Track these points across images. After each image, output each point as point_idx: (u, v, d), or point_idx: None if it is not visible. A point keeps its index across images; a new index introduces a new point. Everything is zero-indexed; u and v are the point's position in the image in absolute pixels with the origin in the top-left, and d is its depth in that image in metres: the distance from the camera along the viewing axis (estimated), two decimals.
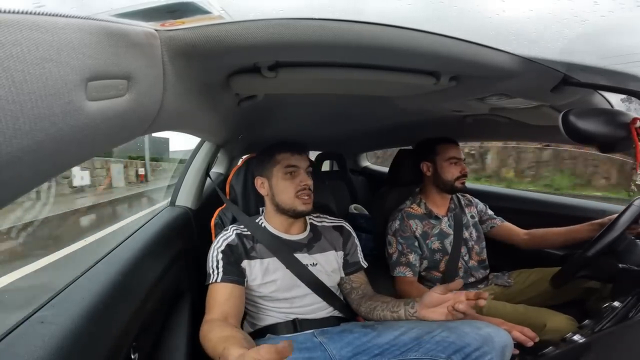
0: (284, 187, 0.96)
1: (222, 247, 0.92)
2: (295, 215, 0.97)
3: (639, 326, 0.68)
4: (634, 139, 0.63)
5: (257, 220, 1.01)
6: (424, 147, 1.34)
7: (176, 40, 0.48)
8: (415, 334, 0.77)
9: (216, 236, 0.98)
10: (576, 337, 0.72)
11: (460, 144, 1.34)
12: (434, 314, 0.80)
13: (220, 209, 1.12)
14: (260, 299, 0.93)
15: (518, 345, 0.84)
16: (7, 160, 0.27)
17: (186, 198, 1.17)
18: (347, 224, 1.09)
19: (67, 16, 0.31)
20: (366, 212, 1.67)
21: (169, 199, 1.20)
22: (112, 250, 0.75)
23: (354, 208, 1.69)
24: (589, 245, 0.97)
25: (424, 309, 0.81)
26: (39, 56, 0.28)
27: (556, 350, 0.74)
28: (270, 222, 1.00)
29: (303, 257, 0.96)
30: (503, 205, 1.52)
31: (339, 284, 1.03)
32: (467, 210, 1.36)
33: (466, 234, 1.29)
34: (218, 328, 0.74)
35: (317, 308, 0.95)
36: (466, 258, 1.27)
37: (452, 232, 1.28)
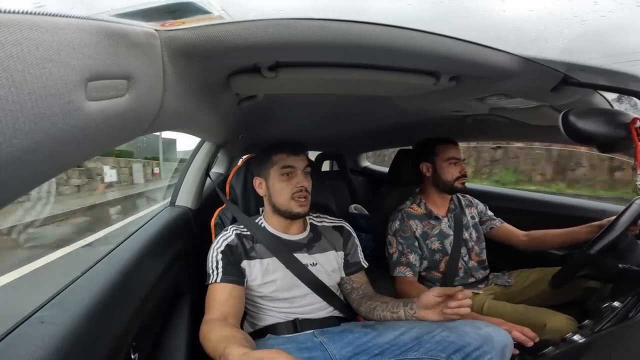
0: (280, 188, 0.95)
1: (222, 248, 0.91)
2: (291, 217, 0.96)
3: (639, 326, 0.68)
4: (633, 139, 0.63)
5: (256, 221, 1.01)
6: (423, 147, 1.34)
7: (176, 40, 0.48)
8: (416, 334, 0.78)
9: (216, 236, 0.98)
10: (576, 337, 0.72)
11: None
12: (432, 314, 0.80)
13: (220, 209, 1.12)
14: (260, 298, 0.93)
15: (518, 345, 0.84)
16: (7, 160, 0.27)
17: (186, 198, 1.17)
18: (347, 224, 1.09)
19: (67, 16, 0.31)
20: (366, 212, 1.67)
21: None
22: (112, 250, 0.75)
23: (354, 208, 1.69)
24: (591, 243, 0.97)
25: (421, 309, 0.82)
26: (39, 56, 0.28)
27: (556, 350, 0.74)
28: (270, 222, 1.00)
29: (303, 257, 0.96)
30: (503, 206, 1.52)
31: (339, 284, 1.03)
32: (467, 211, 1.36)
33: (466, 235, 1.29)
34: (218, 328, 0.74)
35: (317, 308, 0.95)
36: (466, 258, 1.27)
37: (452, 232, 1.28)
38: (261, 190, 1.00)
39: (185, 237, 1.04)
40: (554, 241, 1.25)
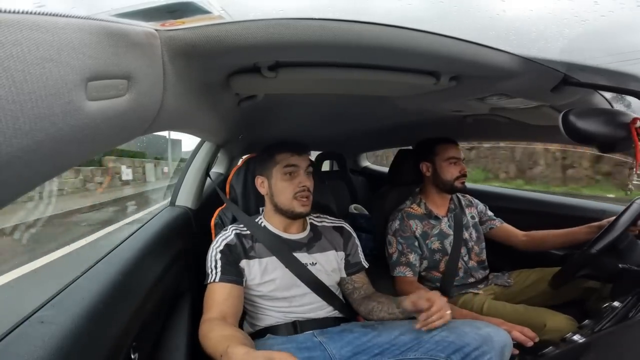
0: (282, 187, 0.95)
1: (221, 247, 0.92)
2: (293, 216, 0.97)
3: (639, 326, 0.68)
4: (633, 139, 0.63)
5: (256, 220, 1.01)
6: (423, 147, 1.34)
7: (176, 40, 0.48)
8: (415, 334, 0.78)
9: (216, 236, 0.98)
10: (576, 337, 0.72)
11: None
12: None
13: (220, 209, 1.12)
14: (259, 298, 0.93)
15: (518, 345, 0.84)
16: (7, 160, 0.27)
17: (186, 198, 1.17)
18: (347, 224, 1.09)
19: (67, 16, 0.31)
20: (366, 212, 1.67)
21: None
22: (112, 250, 0.75)
23: (354, 208, 1.69)
24: (591, 243, 0.97)
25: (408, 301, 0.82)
26: (39, 56, 0.28)
27: (556, 350, 0.74)
28: (270, 221, 1.00)
29: (302, 257, 0.96)
30: (503, 206, 1.52)
31: (340, 284, 1.03)
32: (467, 211, 1.36)
33: (466, 235, 1.29)
34: (218, 327, 0.74)
35: (316, 307, 0.95)
36: (466, 258, 1.27)
37: (452, 232, 1.27)
38: (263, 190, 1.00)
39: (185, 237, 1.04)
40: (553, 241, 1.25)
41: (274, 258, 0.93)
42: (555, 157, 6.96)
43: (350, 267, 1.03)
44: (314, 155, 2.14)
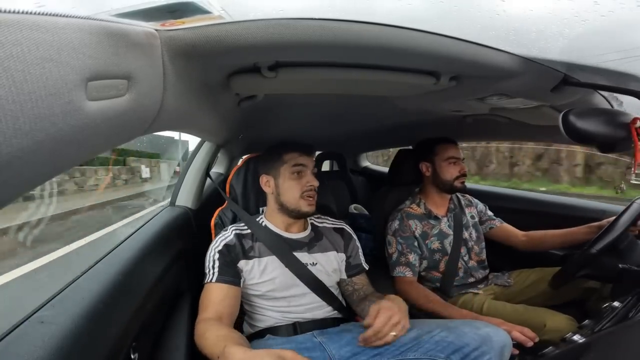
0: (289, 186, 0.96)
1: (220, 247, 0.92)
2: (298, 215, 0.97)
3: (639, 326, 0.68)
4: (633, 139, 0.63)
5: (257, 219, 1.01)
6: (423, 147, 1.34)
7: (176, 40, 0.48)
8: (415, 334, 0.77)
9: (216, 236, 0.98)
10: (576, 337, 0.72)
11: None
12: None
13: (220, 209, 1.12)
14: (258, 297, 0.93)
15: (518, 345, 0.84)
16: (7, 160, 0.27)
17: (186, 198, 1.17)
18: (347, 226, 1.10)
19: (67, 16, 0.31)
20: (366, 212, 1.67)
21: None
22: (112, 250, 0.75)
23: (354, 208, 1.69)
24: (591, 243, 0.97)
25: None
26: (39, 56, 0.28)
27: (556, 350, 0.74)
28: (272, 220, 1.00)
29: (303, 256, 0.96)
30: (503, 205, 1.52)
31: (340, 285, 1.03)
32: (467, 211, 1.36)
33: (466, 235, 1.29)
34: (214, 327, 0.74)
35: (315, 307, 0.95)
36: (466, 258, 1.27)
37: (451, 232, 1.27)
38: (268, 189, 1.00)
39: (185, 237, 1.04)
40: (553, 241, 1.25)
41: (274, 257, 0.93)
42: (504, 156, 7.99)
43: (351, 268, 1.03)
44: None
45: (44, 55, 0.28)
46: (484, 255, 1.32)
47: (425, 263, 1.26)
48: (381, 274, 1.25)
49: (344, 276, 1.02)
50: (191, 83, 0.58)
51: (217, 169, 1.44)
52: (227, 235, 0.95)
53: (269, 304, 0.93)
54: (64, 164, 0.39)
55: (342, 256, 1.03)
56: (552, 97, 0.78)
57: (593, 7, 0.51)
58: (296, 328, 0.91)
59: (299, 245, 0.98)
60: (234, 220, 1.08)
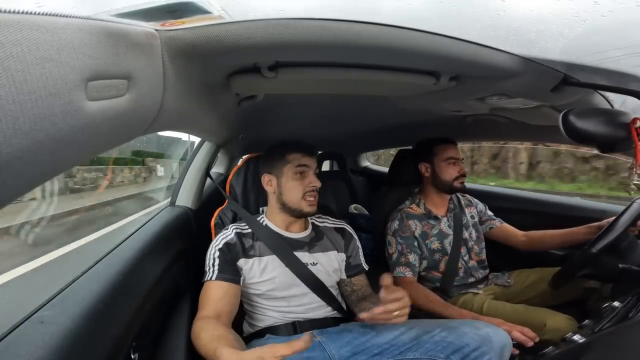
0: (292, 186, 0.96)
1: (220, 245, 0.92)
2: (300, 215, 0.98)
3: (639, 326, 0.68)
4: (633, 139, 0.63)
5: (258, 219, 1.02)
6: (422, 147, 1.34)
7: (176, 40, 0.48)
8: (415, 334, 0.78)
9: (216, 236, 0.98)
10: (576, 337, 0.72)
11: None
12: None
13: (220, 208, 1.12)
14: (258, 297, 0.93)
15: (518, 345, 0.84)
16: (7, 160, 0.27)
17: (186, 198, 1.17)
18: (348, 226, 1.10)
19: (67, 16, 0.31)
20: (366, 212, 1.67)
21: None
22: (112, 250, 0.75)
23: (354, 208, 1.69)
24: (591, 242, 0.97)
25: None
26: (39, 56, 0.28)
27: (556, 350, 0.74)
28: (272, 219, 1.00)
29: (303, 256, 0.96)
30: (503, 205, 1.52)
31: (339, 285, 1.03)
32: (467, 211, 1.36)
33: (466, 235, 1.29)
34: (210, 326, 0.74)
35: (315, 307, 0.95)
36: (466, 258, 1.27)
37: (451, 232, 1.27)
38: (270, 188, 1.00)
39: (185, 237, 1.04)
40: (553, 241, 1.25)
41: (274, 257, 0.93)
42: (466, 156, 8.43)
43: (351, 269, 1.03)
44: None
45: (44, 55, 0.28)
46: (484, 255, 1.32)
47: (425, 263, 1.26)
48: (381, 274, 1.25)
49: (344, 276, 1.02)
50: (191, 83, 0.58)
51: (217, 169, 1.44)
52: (228, 234, 0.95)
53: (269, 303, 0.93)
54: (64, 164, 0.39)
55: (343, 256, 1.03)
56: (552, 97, 0.78)
57: (593, 7, 0.51)
58: (296, 328, 0.91)
59: (299, 244, 0.98)
60: (234, 220, 1.08)
